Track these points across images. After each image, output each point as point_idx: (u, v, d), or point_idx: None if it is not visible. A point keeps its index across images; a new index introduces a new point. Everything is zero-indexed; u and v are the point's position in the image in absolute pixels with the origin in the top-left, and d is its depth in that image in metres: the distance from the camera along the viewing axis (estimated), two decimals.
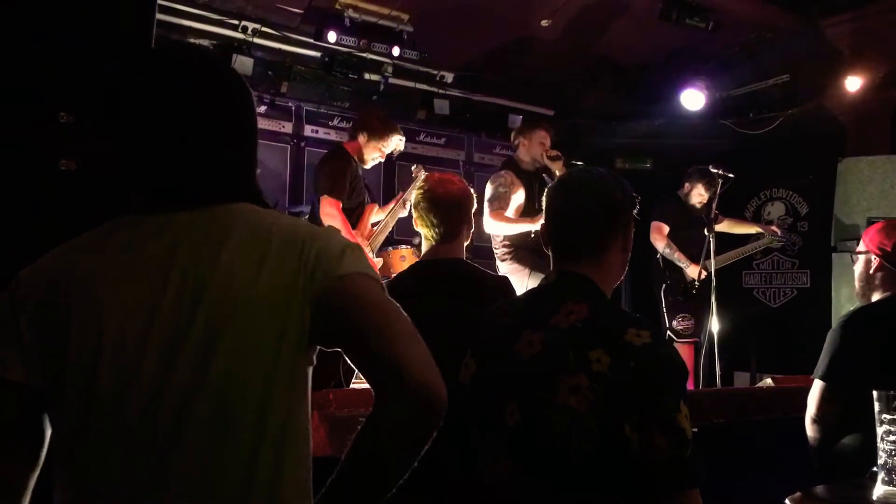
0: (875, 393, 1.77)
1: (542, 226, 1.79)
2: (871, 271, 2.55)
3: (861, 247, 2.62)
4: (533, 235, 4.40)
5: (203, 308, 1.08)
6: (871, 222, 5.03)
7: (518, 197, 4.57)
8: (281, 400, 1.11)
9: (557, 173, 4.61)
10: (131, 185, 1.22)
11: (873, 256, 2.53)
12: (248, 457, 1.08)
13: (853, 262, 2.67)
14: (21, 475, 1.14)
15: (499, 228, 4.52)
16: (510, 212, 4.55)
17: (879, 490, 1.73)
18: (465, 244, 2.62)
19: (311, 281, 1.12)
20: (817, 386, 2.41)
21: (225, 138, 1.22)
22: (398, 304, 1.15)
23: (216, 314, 1.08)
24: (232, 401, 1.08)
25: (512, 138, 4.89)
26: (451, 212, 2.53)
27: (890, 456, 1.72)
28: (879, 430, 1.75)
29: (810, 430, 2.42)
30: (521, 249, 4.51)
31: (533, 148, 4.70)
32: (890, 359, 2.30)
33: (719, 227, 5.23)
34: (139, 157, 1.19)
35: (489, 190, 4.57)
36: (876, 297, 2.55)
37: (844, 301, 5.19)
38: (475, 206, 2.65)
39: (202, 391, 1.07)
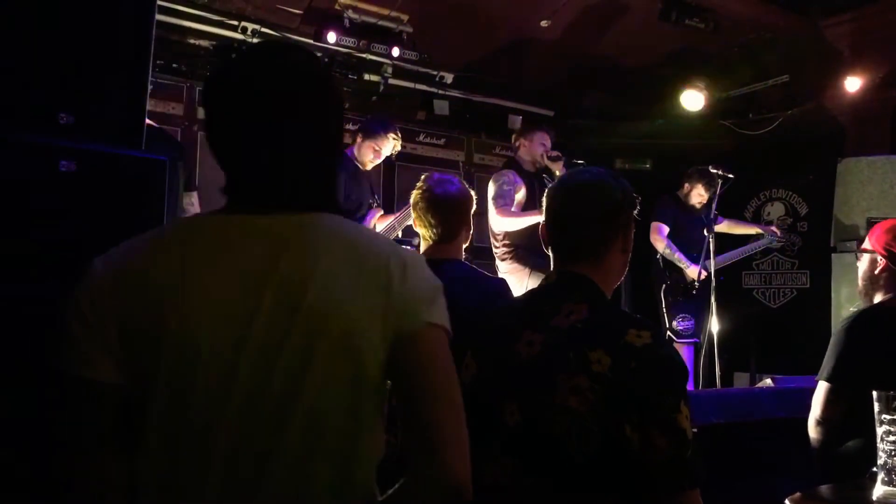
0: (875, 393, 1.77)
1: (542, 226, 1.79)
2: (875, 272, 2.53)
3: (867, 245, 2.59)
4: (528, 255, 4.43)
5: (301, 319, 1.07)
6: (870, 222, 5.03)
7: (520, 196, 4.57)
8: (367, 418, 1.13)
9: (557, 174, 4.62)
10: (227, 183, 1.19)
11: (879, 257, 2.52)
12: (338, 469, 1.10)
13: (857, 259, 2.65)
14: (122, 472, 1.11)
15: (506, 224, 4.52)
16: (514, 209, 4.55)
17: (879, 490, 1.73)
18: (464, 245, 2.62)
19: (401, 317, 1.11)
20: (822, 387, 2.39)
21: (323, 144, 1.21)
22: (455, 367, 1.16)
23: (313, 328, 1.07)
24: (325, 411, 1.09)
25: (513, 139, 4.90)
26: (449, 212, 2.53)
27: (890, 456, 1.72)
28: (879, 431, 1.74)
29: (814, 431, 2.40)
30: (522, 249, 4.51)
31: (534, 149, 4.71)
32: (895, 361, 2.29)
33: (719, 228, 5.24)
34: (238, 156, 1.17)
35: (492, 188, 4.58)
36: (879, 297, 2.54)
37: (844, 301, 5.18)
38: (474, 207, 2.65)
39: (298, 399, 1.07)
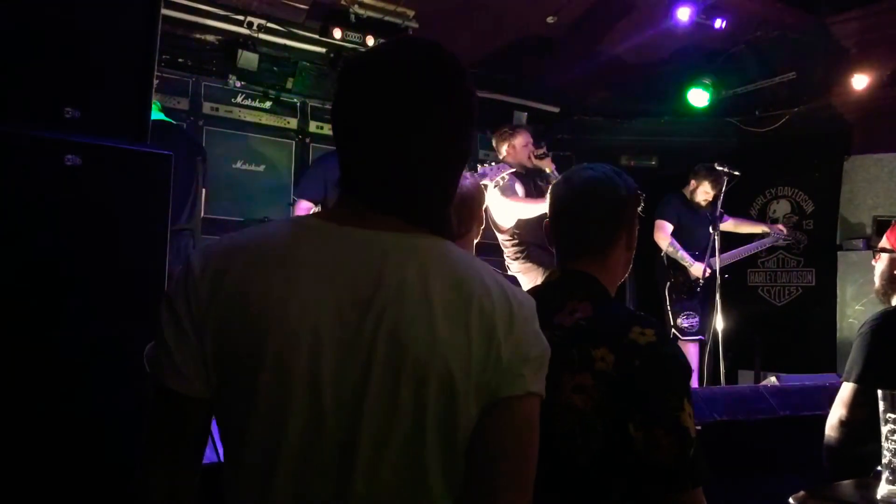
0: (880, 392, 1.76)
1: (546, 223, 1.79)
2: (894, 271, 2.52)
3: (885, 244, 2.57)
4: (541, 253, 4.42)
5: (408, 365, 0.98)
6: (876, 221, 5.03)
7: (520, 190, 4.57)
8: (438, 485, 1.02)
9: (548, 171, 4.62)
10: (344, 180, 1.10)
11: None
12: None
13: (874, 259, 2.63)
14: (191, 485, 1.07)
15: (520, 210, 4.49)
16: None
17: (884, 489, 1.72)
18: (475, 241, 2.62)
19: (498, 374, 1.00)
20: (848, 389, 2.35)
21: (447, 157, 1.09)
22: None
23: (417, 371, 0.98)
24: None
25: (495, 145, 4.87)
26: (461, 206, 2.52)
27: (895, 455, 1.72)
28: (884, 430, 1.74)
29: (835, 432, 2.36)
30: (534, 247, 4.50)
31: (519, 153, 4.69)
32: None
33: (725, 227, 5.23)
34: (358, 160, 1.08)
35: (495, 190, 4.57)
36: None
37: (849, 299, 5.18)
38: (485, 203, 2.64)
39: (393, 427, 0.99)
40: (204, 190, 4.06)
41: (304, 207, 4.63)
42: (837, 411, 2.36)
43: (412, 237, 1.05)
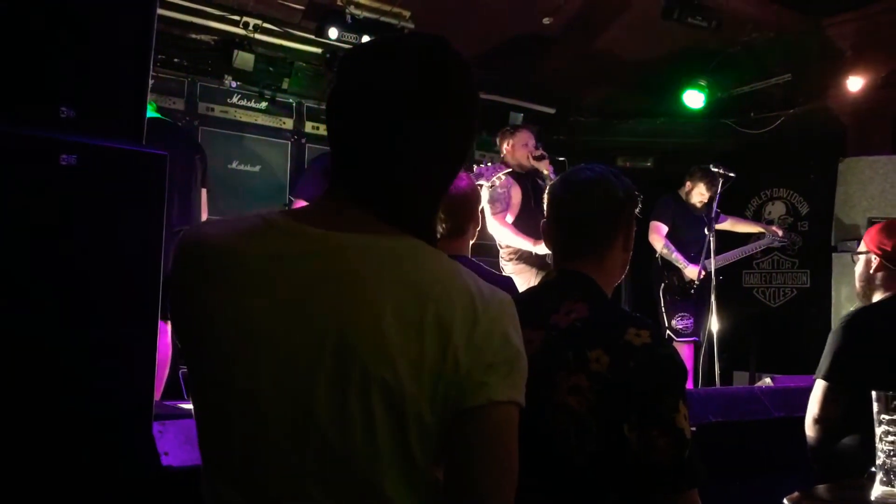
0: (874, 393, 1.77)
1: (543, 223, 1.79)
2: (871, 271, 2.55)
3: (862, 247, 2.62)
4: (534, 255, 4.42)
5: (351, 361, 0.93)
6: (871, 222, 5.03)
7: (516, 199, 4.58)
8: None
9: (545, 172, 4.63)
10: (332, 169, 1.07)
11: (873, 256, 2.54)
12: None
13: (854, 262, 2.67)
14: None
15: (500, 234, 4.53)
16: (509, 214, 4.56)
17: (878, 490, 1.73)
18: (471, 242, 2.62)
19: (457, 382, 0.93)
20: (820, 386, 2.39)
21: (434, 157, 1.04)
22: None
23: (363, 377, 0.92)
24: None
25: (497, 144, 4.89)
26: (458, 207, 2.52)
27: (889, 456, 1.72)
28: (878, 431, 1.74)
29: (811, 430, 2.41)
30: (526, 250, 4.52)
31: (517, 152, 4.70)
32: (891, 359, 2.29)
33: (722, 226, 5.24)
34: (341, 152, 1.06)
35: (486, 193, 4.57)
36: (877, 296, 2.55)
37: (844, 301, 5.18)
38: (482, 203, 2.65)
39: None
40: (205, 190, 4.05)
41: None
42: (811, 409, 2.40)
43: (377, 237, 0.99)
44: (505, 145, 4.76)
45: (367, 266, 0.97)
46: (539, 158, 4.66)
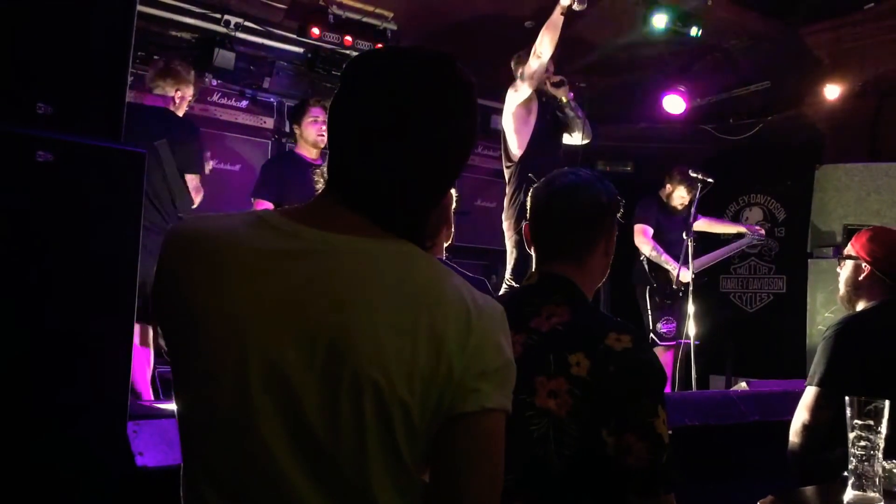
0: (847, 398, 1.78)
1: (526, 225, 1.79)
2: (860, 277, 2.53)
3: (850, 251, 2.60)
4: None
5: (343, 365, 0.93)
6: (847, 229, 5.09)
7: (533, 116, 4.53)
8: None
9: (564, 99, 4.53)
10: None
11: (863, 263, 2.52)
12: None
13: (839, 265, 2.65)
14: None
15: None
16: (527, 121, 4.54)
17: (850, 495, 1.74)
18: (445, 244, 2.61)
19: (450, 388, 0.94)
20: (811, 393, 2.37)
21: (428, 169, 1.04)
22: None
23: (355, 381, 0.92)
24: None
25: (513, 66, 4.71)
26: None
27: (860, 461, 1.74)
28: (850, 436, 1.76)
29: (798, 437, 2.37)
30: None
31: (536, 81, 4.49)
32: (884, 367, 2.29)
33: (698, 226, 5.22)
34: (338, 156, 1.06)
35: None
36: (862, 303, 2.54)
37: (820, 307, 5.23)
38: (454, 204, 2.64)
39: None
40: (196, 176, 3.81)
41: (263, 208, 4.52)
42: (801, 416, 2.37)
43: (371, 240, 1.00)
44: (522, 67, 4.54)
45: (361, 269, 0.97)
46: (557, 85, 4.49)
